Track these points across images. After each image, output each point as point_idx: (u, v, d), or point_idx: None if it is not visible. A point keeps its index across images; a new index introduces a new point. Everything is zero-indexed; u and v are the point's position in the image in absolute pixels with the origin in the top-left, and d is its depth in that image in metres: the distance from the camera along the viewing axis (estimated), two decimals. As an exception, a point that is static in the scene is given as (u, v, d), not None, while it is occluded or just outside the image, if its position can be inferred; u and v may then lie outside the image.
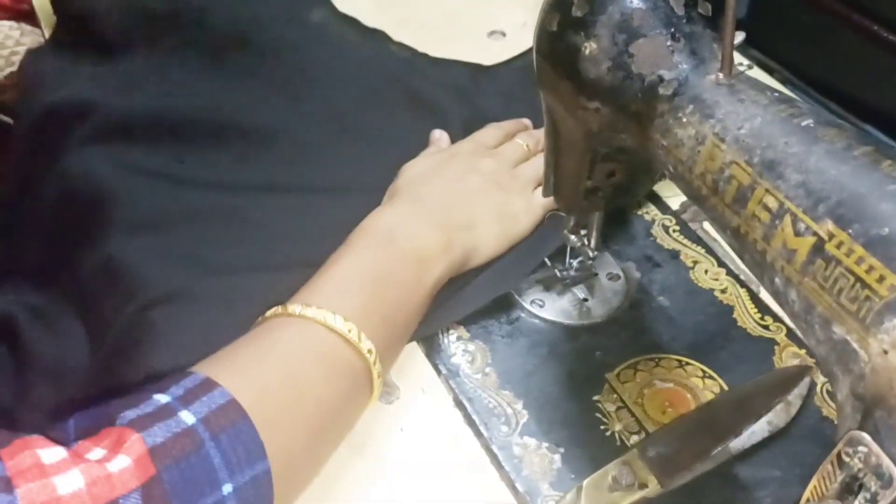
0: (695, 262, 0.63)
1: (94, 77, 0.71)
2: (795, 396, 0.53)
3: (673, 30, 0.42)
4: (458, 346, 0.57)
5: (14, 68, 0.86)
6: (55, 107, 0.68)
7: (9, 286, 0.66)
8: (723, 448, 0.49)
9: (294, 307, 0.48)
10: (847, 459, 0.31)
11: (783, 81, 0.83)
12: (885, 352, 0.30)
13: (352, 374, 0.48)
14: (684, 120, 0.41)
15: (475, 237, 0.58)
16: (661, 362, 0.56)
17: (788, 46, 0.85)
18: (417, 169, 0.63)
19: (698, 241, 0.64)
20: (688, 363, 0.56)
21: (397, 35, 0.82)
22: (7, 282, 0.67)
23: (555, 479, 0.50)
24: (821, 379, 0.55)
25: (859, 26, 0.78)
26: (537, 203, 0.62)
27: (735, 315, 0.59)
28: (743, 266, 0.60)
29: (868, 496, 0.31)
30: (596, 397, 0.54)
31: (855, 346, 0.32)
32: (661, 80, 0.42)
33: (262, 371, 0.45)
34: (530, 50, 0.47)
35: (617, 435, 0.52)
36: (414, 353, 0.56)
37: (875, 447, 0.30)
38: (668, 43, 0.42)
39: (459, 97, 0.75)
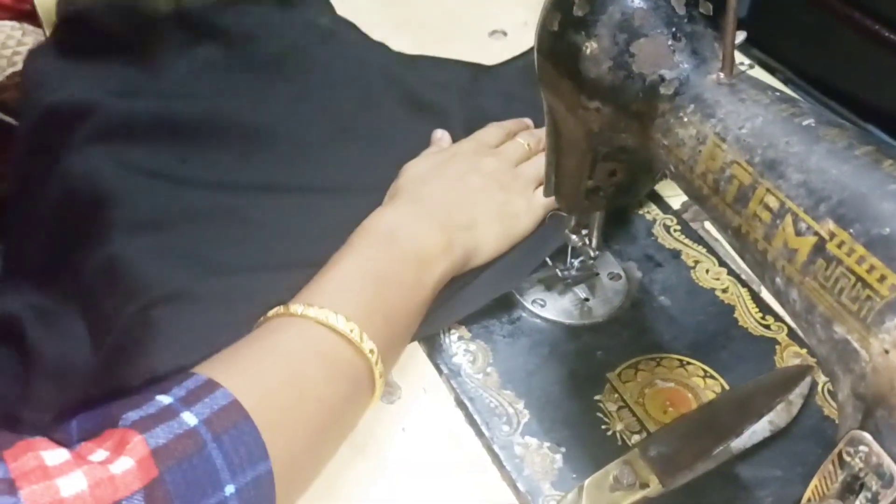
0: (696, 262, 0.63)
1: (95, 77, 0.71)
2: (797, 396, 0.53)
3: (674, 29, 0.42)
4: (460, 345, 0.57)
5: (16, 68, 0.86)
6: (56, 107, 0.68)
7: (11, 286, 0.66)
8: (724, 447, 0.49)
9: (296, 307, 0.48)
10: (848, 459, 0.31)
11: (785, 81, 0.83)
12: (886, 351, 0.30)
13: (353, 374, 0.48)
14: (685, 119, 0.41)
15: (476, 237, 0.58)
16: (662, 362, 0.56)
17: (790, 46, 0.85)
18: (418, 169, 0.63)
19: (699, 240, 0.64)
20: (689, 363, 0.56)
21: (397, 35, 0.82)
22: (9, 282, 0.67)
23: (556, 478, 0.50)
24: (822, 378, 0.55)
25: (861, 25, 0.78)
26: (538, 203, 0.62)
27: (736, 315, 0.59)
28: (744, 266, 0.60)
29: (869, 496, 0.31)
30: (597, 397, 0.54)
31: (856, 345, 0.32)
32: (663, 79, 0.42)
33: (264, 372, 0.45)
34: (531, 49, 0.47)
35: (618, 434, 0.52)
36: (415, 353, 0.56)
37: (876, 447, 0.30)
38: (670, 42, 0.42)
39: (460, 97, 0.75)
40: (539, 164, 0.61)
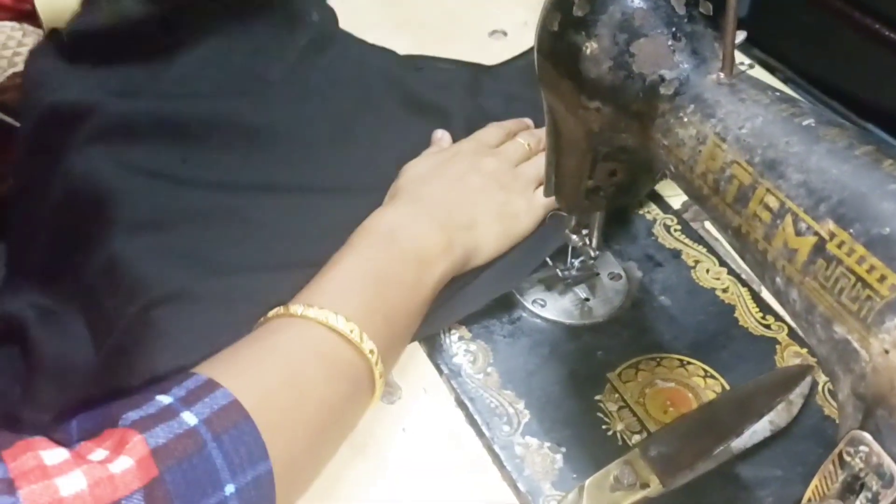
0: (696, 262, 0.63)
1: (95, 77, 0.71)
2: (797, 396, 0.53)
3: (674, 29, 0.42)
4: (460, 345, 0.57)
5: (17, 69, 0.86)
6: (57, 107, 0.68)
7: (12, 286, 0.66)
8: (724, 447, 0.49)
9: (296, 307, 0.48)
10: (848, 459, 0.31)
11: (785, 80, 0.83)
12: (886, 351, 0.30)
13: (353, 374, 0.48)
14: (685, 119, 0.41)
15: (476, 237, 0.58)
16: (662, 362, 0.56)
17: (790, 45, 0.85)
18: (419, 169, 0.63)
19: (700, 240, 0.64)
20: (689, 362, 0.56)
21: (397, 35, 0.82)
22: (10, 282, 0.67)
23: (556, 478, 0.50)
24: (822, 378, 0.55)
25: (861, 25, 0.78)
26: (538, 202, 0.62)
27: (736, 314, 0.59)
28: (744, 265, 0.60)
29: (869, 496, 0.31)
30: (597, 397, 0.54)
31: (856, 345, 0.32)
32: (663, 79, 0.42)
33: (264, 372, 0.45)
34: (531, 49, 0.47)
35: (619, 434, 0.52)
36: (416, 353, 0.56)
37: (876, 447, 0.30)
38: (670, 42, 0.42)
39: (461, 97, 0.75)
40: (539, 164, 0.61)
